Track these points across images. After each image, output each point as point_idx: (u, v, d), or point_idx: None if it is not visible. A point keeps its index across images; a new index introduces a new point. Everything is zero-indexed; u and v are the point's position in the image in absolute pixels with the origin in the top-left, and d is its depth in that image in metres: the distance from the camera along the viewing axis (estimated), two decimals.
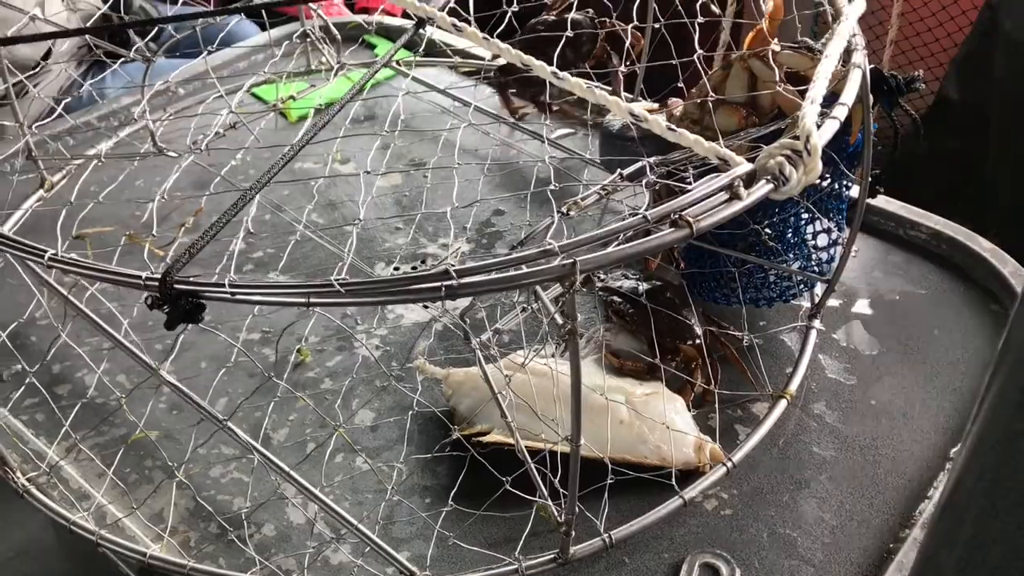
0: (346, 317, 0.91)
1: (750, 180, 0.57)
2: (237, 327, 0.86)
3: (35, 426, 0.80)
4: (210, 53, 1.10)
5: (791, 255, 0.85)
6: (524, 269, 0.51)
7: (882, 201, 0.98)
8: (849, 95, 0.64)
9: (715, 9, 0.91)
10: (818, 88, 0.61)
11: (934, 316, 0.90)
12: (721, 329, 0.83)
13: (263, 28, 1.41)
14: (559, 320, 0.59)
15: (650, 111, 0.95)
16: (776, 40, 0.80)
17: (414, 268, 0.98)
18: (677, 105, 0.90)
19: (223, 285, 0.49)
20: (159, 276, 0.50)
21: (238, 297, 0.50)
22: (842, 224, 0.85)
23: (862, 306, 0.91)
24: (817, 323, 0.87)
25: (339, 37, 1.21)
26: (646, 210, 0.54)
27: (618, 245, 0.53)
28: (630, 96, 1.14)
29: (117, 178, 0.99)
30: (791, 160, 0.57)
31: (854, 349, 0.87)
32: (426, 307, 0.92)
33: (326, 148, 1.14)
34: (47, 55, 1.35)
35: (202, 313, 0.51)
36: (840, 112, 0.62)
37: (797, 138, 0.58)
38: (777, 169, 0.57)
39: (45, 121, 1.06)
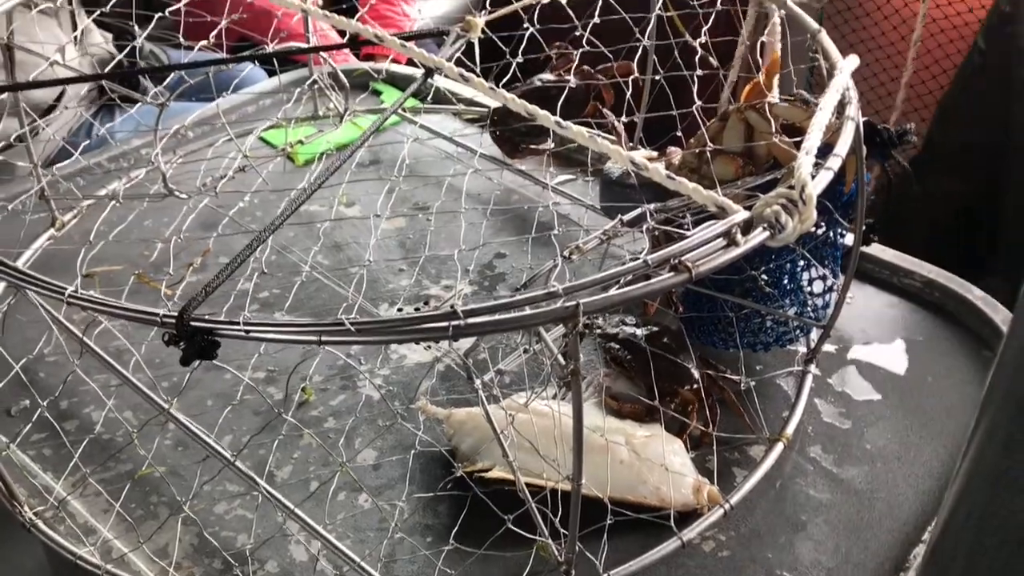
0: (350, 356, 0.92)
1: (747, 227, 0.59)
2: (243, 366, 0.87)
3: (42, 461, 0.81)
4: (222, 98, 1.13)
5: (787, 301, 0.87)
6: (528, 311, 0.53)
7: (876, 249, 1.01)
8: (843, 147, 0.66)
9: (713, 62, 0.94)
10: (813, 140, 0.63)
11: (928, 362, 0.92)
12: (718, 373, 0.85)
13: (271, 74, 1.44)
14: (562, 361, 0.61)
15: (649, 159, 0.98)
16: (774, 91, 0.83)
17: (417, 309, 0.99)
18: (675, 154, 0.92)
19: (237, 323, 0.51)
20: (176, 314, 0.51)
21: (252, 335, 0.51)
22: (837, 271, 0.87)
23: (857, 352, 0.93)
24: (813, 368, 0.89)
25: (347, 84, 1.24)
26: (646, 255, 0.56)
27: (619, 288, 0.55)
28: (630, 144, 1.16)
29: (126, 218, 1.01)
30: (787, 209, 0.59)
31: (849, 394, 0.88)
32: (429, 347, 0.93)
33: (332, 191, 1.16)
34: (60, 96, 1.38)
35: (216, 350, 0.52)
36: (834, 163, 0.64)
37: (793, 187, 0.60)
38: (773, 217, 0.59)
39: (62, 164, 1.08)
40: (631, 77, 0.99)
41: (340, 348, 0.91)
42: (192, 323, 0.51)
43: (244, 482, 0.77)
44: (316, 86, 1.25)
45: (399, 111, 1.28)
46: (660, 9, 0.96)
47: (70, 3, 1.35)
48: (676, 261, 0.56)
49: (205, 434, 0.79)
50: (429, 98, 1.24)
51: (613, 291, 0.55)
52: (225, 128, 1.16)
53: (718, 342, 0.89)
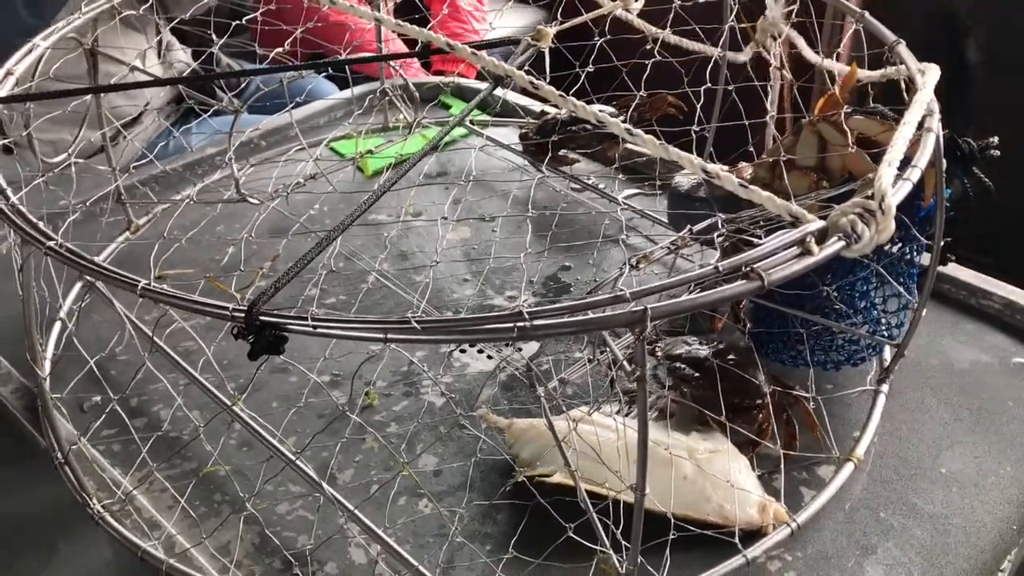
0: (413, 363, 0.92)
1: (822, 236, 0.57)
2: (309, 369, 0.88)
3: (111, 456, 0.83)
4: (297, 106, 1.15)
5: (860, 318, 0.84)
6: (594, 314, 0.52)
7: (953, 269, 0.97)
8: (922, 158, 0.65)
9: (786, 75, 0.93)
10: (896, 151, 0.61)
11: (1007, 387, 0.89)
12: (788, 391, 0.83)
13: (344, 88, 1.47)
14: (627, 368, 0.60)
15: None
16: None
17: None
18: (746, 169, 0.91)
19: (306, 318, 0.51)
20: (246, 308, 0.52)
21: (319, 331, 0.51)
22: (913, 290, 0.85)
23: (932, 373, 0.90)
24: (885, 388, 0.86)
25: (417, 96, 1.26)
26: (717, 262, 0.55)
27: (689, 295, 0.54)
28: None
29: (199, 223, 1.03)
30: (863, 218, 0.57)
31: (924, 416, 0.86)
32: (491, 357, 0.93)
33: (400, 201, 1.17)
34: (143, 113, 1.41)
35: (284, 345, 0.53)
36: (913, 174, 0.62)
37: (870, 197, 0.58)
38: (849, 227, 0.57)
39: (138, 164, 1.11)
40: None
41: (406, 351, 0.91)
42: (261, 317, 0.52)
43: (306, 483, 0.77)
44: (386, 98, 1.26)
45: (467, 124, 1.29)
46: (733, 20, 0.95)
47: (157, 15, 1.39)
48: (748, 268, 0.55)
49: (269, 432, 0.79)
50: (498, 109, 1.25)
51: (682, 297, 0.54)
52: (297, 138, 1.18)
53: (787, 359, 0.86)
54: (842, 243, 0.57)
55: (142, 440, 0.81)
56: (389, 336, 0.51)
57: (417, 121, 1.26)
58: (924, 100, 0.69)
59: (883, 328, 0.85)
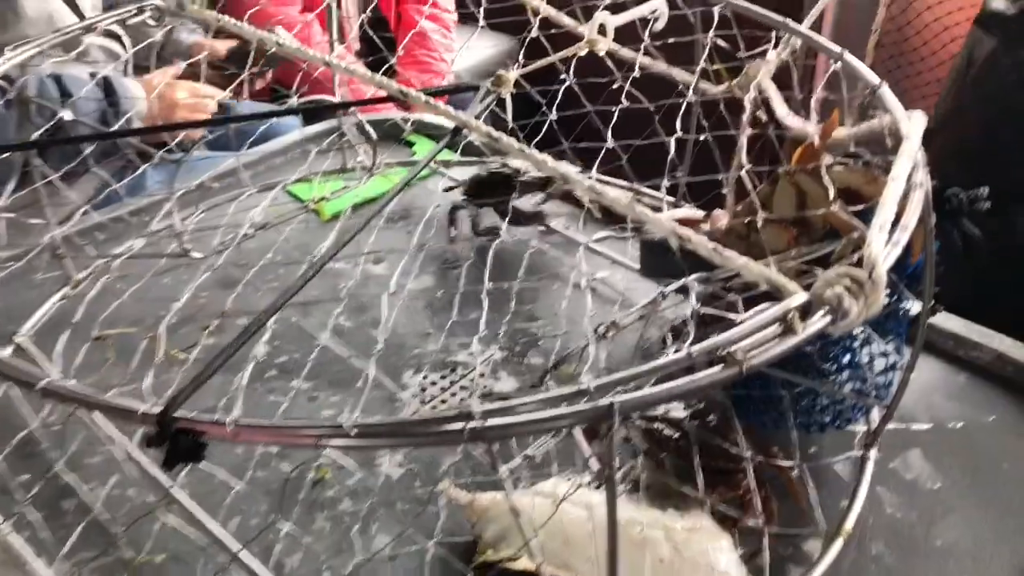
0: None
1: (805, 312, 0.52)
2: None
3: (37, 544, 0.76)
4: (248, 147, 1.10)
5: (844, 375, 0.79)
6: (554, 411, 0.46)
7: (940, 319, 0.93)
8: (912, 217, 0.59)
9: (763, 117, 0.88)
10: (886, 213, 0.56)
11: (1002, 446, 0.83)
12: (770, 457, 0.77)
13: (307, 121, 1.41)
14: (593, 467, 0.54)
15: (693, 220, 0.91)
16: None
17: (443, 377, 0.93)
18: (721, 218, 0.86)
19: (224, 424, 0.45)
20: (157, 412, 0.46)
21: (241, 437, 0.45)
22: (902, 347, 0.80)
23: (922, 433, 0.85)
24: (874, 452, 0.81)
25: (375, 136, 1.20)
26: (690, 346, 0.49)
27: (656, 383, 0.49)
28: (671, 200, 1.10)
29: (143, 276, 0.97)
30: (851, 291, 0.52)
31: (914, 481, 0.80)
32: None
33: (358, 248, 1.11)
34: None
35: (203, 451, 0.46)
36: (903, 237, 0.57)
37: (856, 264, 0.53)
38: (836, 300, 0.52)
39: (73, 221, 1.05)
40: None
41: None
42: (177, 424, 0.46)
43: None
44: (344, 139, 1.20)
45: (431, 165, 1.24)
46: (705, 62, 0.90)
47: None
48: (725, 352, 0.49)
49: (209, 522, 0.73)
50: (460, 151, 1.19)
51: (655, 388, 0.48)
52: (249, 183, 1.12)
53: (769, 422, 0.81)
54: (828, 319, 0.52)
55: (72, 525, 0.75)
56: (320, 443, 0.45)
57: (377, 164, 1.20)
58: (911, 151, 0.64)
59: (870, 387, 0.80)
